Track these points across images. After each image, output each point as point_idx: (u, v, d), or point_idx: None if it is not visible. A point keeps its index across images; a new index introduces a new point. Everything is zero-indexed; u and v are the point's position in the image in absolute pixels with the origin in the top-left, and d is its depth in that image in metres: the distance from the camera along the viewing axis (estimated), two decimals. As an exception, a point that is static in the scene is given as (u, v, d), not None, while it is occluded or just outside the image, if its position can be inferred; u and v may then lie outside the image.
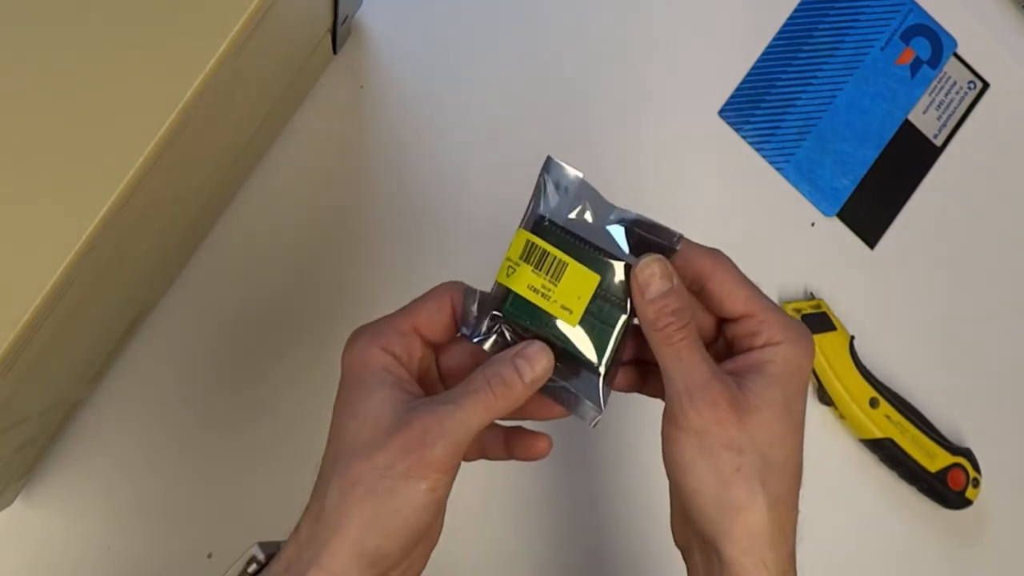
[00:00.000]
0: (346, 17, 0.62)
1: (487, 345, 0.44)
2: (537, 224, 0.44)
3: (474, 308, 0.44)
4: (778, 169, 0.71)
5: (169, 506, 0.62)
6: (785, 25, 0.72)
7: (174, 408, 0.63)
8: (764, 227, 0.71)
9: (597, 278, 0.44)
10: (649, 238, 0.44)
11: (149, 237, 0.50)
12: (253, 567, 0.44)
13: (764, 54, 0.72)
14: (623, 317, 0.44)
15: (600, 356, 0.44)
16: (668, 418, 0.44)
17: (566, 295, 0.43)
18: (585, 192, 0.44)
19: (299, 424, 0.63)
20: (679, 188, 0.69)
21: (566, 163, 0.44)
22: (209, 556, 0.61)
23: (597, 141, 0.69)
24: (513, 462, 0.48)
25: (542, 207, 0.44)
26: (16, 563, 0.61)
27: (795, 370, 0.44)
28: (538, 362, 0.43)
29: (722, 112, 0.71)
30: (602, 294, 0.44)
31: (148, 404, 0.62)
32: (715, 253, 0.45)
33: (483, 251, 0.59)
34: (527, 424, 0.47)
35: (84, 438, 0.62)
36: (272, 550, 0.44)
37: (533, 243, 0.43)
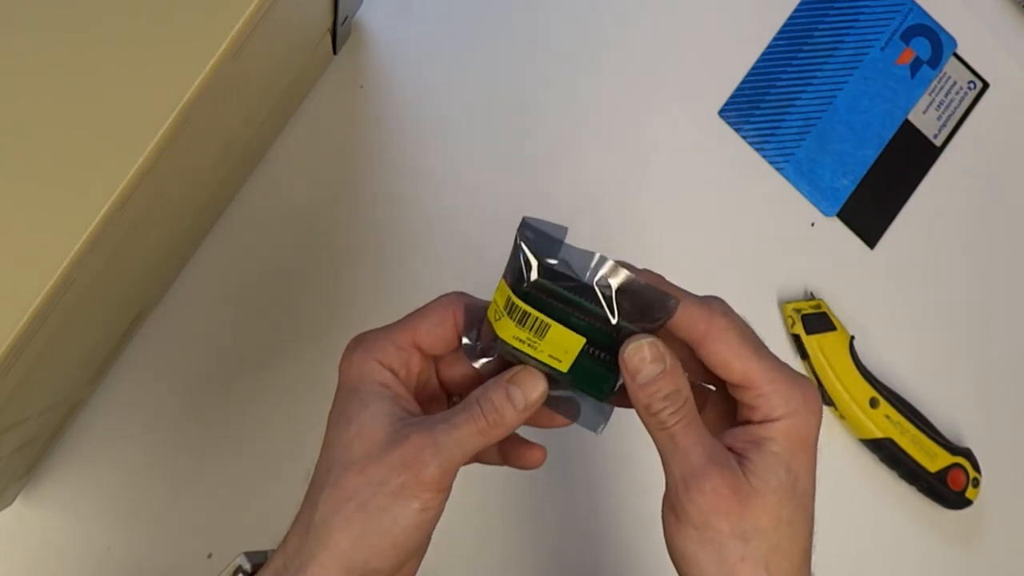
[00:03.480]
0: (346, 17, 0.62)
1: (486, 368, 0.43)
2: (515, 288, 0.40)
3: (473, 330, 0.43)
4: (778, 169, 0.71)
5: (169, 506, 0.62)
6: (785, 25, 0.72)
7: (174, 408, 0.63)
8: (764, 227, 0.70)
9: (582, 340, 0.41)
10: (639, 302, 0.41)
11: (149, 237, 0.50)
12: None
13: (764, 54, 0.72)
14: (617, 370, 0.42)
15: (599, 396, 0.43)
16: (667, 506, 0.42)
17: (553, 348, 0.41)
18: (567, 251, 0.41)
19: (298, 425, 0.63)
20: (679, 188, 0.69)
21: (543, 222, 0.41)
22: (209, 556, 0.61)
23: (597, 140, 0.69)
24: (509, 470, 0.48)
25: (520, 269, 0.40)
26: (16, 563, 0.61)
27: (798, 444, 0.41)
28: (531, 389, 0.42)
29: (722, 112, 0.71)
30: (591, 351, 0.41)
31: (148, 404, 0.62)
32: (710, 312, 0.42)
33: (483, 251, 0.60)
34: (523, 431, 0.47)
35: (84, 438, 0.61)
36: (259, 560, 0.43)
37: (514, 303, 0.41)
